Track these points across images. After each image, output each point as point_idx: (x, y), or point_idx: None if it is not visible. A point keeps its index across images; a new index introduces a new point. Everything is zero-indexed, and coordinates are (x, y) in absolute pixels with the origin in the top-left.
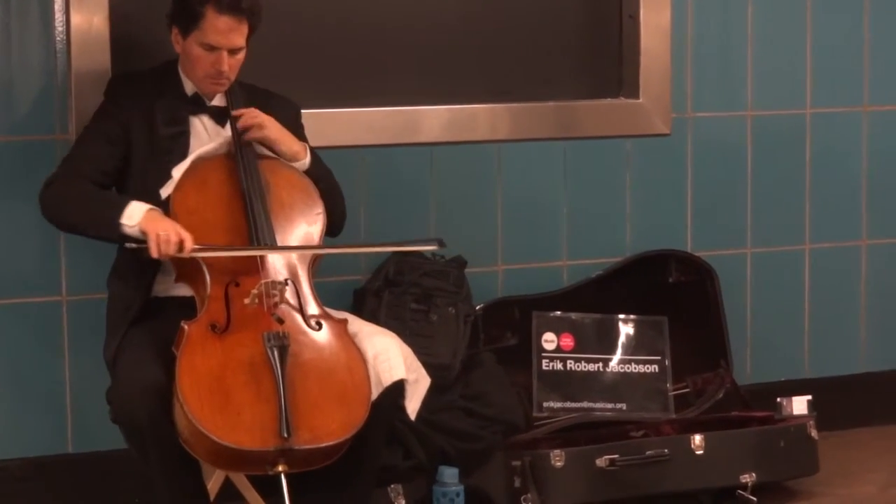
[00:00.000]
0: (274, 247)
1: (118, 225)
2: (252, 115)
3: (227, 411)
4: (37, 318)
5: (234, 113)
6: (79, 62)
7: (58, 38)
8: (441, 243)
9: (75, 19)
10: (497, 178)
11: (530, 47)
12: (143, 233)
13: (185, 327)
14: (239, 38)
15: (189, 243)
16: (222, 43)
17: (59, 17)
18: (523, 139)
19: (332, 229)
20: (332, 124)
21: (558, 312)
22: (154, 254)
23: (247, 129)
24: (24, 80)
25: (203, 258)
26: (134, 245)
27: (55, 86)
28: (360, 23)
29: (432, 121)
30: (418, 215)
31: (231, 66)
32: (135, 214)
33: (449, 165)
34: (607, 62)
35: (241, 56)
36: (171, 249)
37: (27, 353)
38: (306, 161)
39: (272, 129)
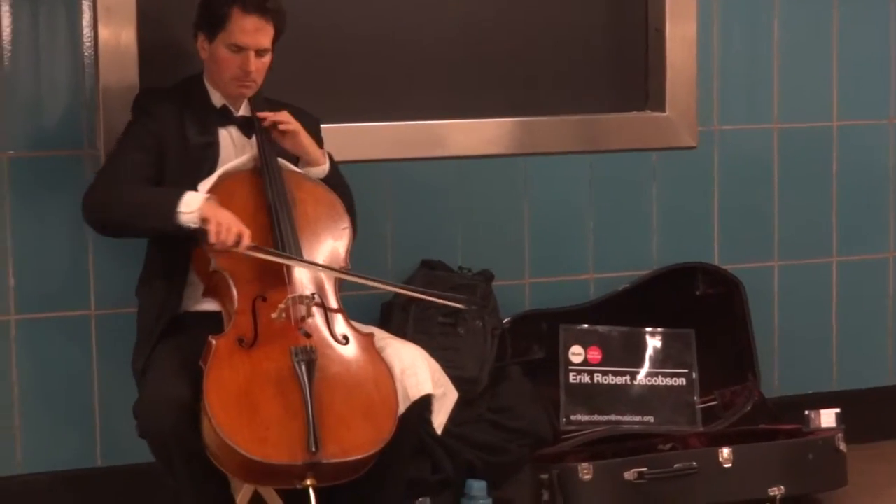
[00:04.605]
0: (323, 266)
1: (176, 213)
2: (284, 117)
3: (255, 425)
4: (65, 332)
5: (264, 116)
6: (107, 77)
7: (86, 53)
8: (471, 303)
9: (103, 34)
10: (523, 192)
11: (556, 61)
12: (204, 219)
13: (213, 342)
14: (265, 38)
15: (247, 239)
16: (249, 43)
17: (87, 32)
18: (550, 153)
19: None
20: (358, 138)
21: (585, 325)
22: (213, 238)
23: (275, 129)
24: (53, 95)
25: (231, 269)
26: (193, 227)
27: (83, 100)
28: (386, 37)
29: (458, 135)
30: (445, 229)
31: (258, 68)
32: (193, 202)
33: (475, 179)
34: (633, 75)
35: (267, 59)
36: (231, 239)
37: (56, 367)
38: (326, 166)
39: (301, 131)
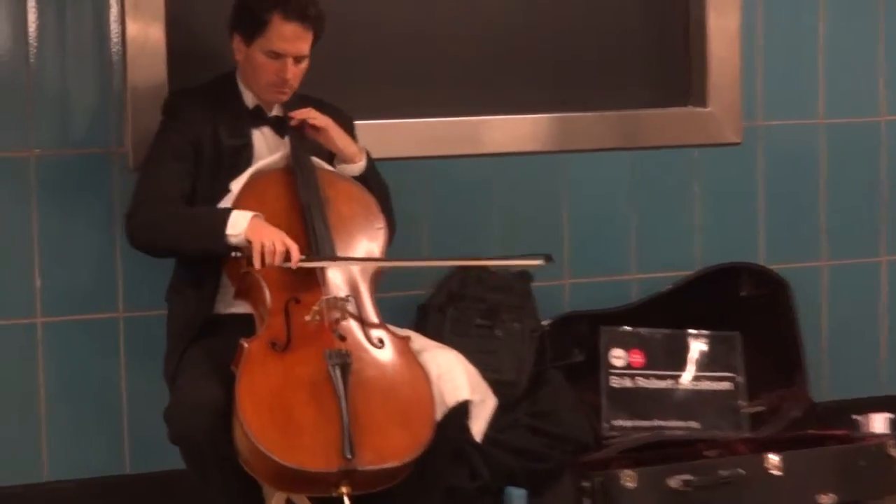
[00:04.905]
0: (387, 259)
1: (224, 236)
2: (312, 113)
3: (288, 431)
4: (93, 335)
5: (293, 114)
6: (135, 74)
7: (113, 50)
8: (549, 258)
9: (131, 30)
10: (563, 190)
11: (595, 56)
12: (249, 241)
13: (245, 345)
14: (304, 45)
15: (296, 253)
16: (288, 50)
17: (114, 28)
18: (589, 149)
19: None
20: (394, 135)
21: (627, 327)
22: (258, 265)
23: (308, 126)
24: (80, 93)
25: (263, 272)
26: (238, 254)
27: (111, 98)
28: (422, 33)
29: (496, 131)
30: (482, 227)
31: (295, 74)
32: (239, 223)
33: (513, 176)
34: (675, 70)
35: (304, 65)
36: (278, 260)
37: (83, 370)
38: (363, 163)
39: (332, 127)
